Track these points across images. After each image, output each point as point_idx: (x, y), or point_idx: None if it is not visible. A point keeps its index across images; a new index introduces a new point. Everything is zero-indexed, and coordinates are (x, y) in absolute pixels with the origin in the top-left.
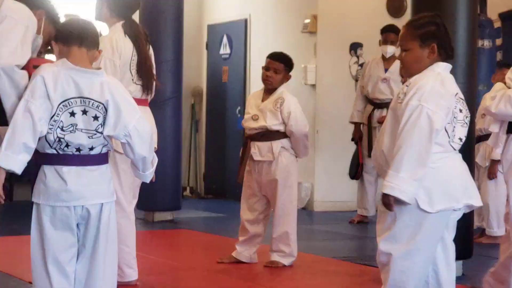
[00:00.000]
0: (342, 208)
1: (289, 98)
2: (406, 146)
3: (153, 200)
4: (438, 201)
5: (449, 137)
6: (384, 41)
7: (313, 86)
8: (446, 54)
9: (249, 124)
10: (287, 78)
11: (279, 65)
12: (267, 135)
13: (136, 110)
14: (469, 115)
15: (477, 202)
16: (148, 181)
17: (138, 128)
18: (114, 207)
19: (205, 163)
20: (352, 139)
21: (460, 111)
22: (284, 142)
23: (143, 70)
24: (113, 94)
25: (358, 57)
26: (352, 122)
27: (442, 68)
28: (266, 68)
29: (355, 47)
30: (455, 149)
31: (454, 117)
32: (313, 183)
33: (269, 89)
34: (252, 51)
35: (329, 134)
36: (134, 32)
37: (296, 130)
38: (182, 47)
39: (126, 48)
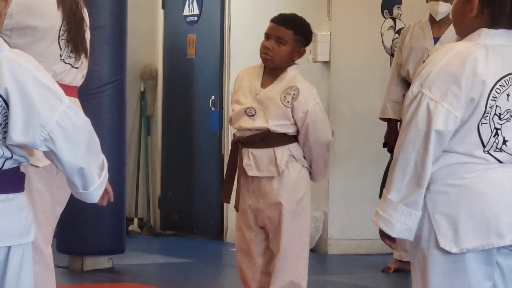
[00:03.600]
0: (369, 250)
1: (306, 89)
2: (398, 154)
3: (82, 238)
4: (467, 236)
5: (483, 144)
6: None
7: (326, 64)
8: (495, 18)
9: (242, 122)
10: (299, 53)
11: (286, 31)
12: (268, 138)
13: (60, 98)
14: None
15: None
16: (96, 201)
17: (64, 124)
18: (30, 252)
19: (162, 181)
20: (385, 145)
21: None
22: (294, 148)
23: (76, 41)
24: (18, 78)
25: (394, 19)
26: (384, 119)
27: (490, 37)
28: (266, 36)
29: (389, 5)
30: (500, 161)
31: (489, 113)
32: (326, 212)
33: (271, 68)
34: (233, 11)
35: (350, 138)
36: None
37: (316, 139)
38: (126, 6)
39: (53, 5)
